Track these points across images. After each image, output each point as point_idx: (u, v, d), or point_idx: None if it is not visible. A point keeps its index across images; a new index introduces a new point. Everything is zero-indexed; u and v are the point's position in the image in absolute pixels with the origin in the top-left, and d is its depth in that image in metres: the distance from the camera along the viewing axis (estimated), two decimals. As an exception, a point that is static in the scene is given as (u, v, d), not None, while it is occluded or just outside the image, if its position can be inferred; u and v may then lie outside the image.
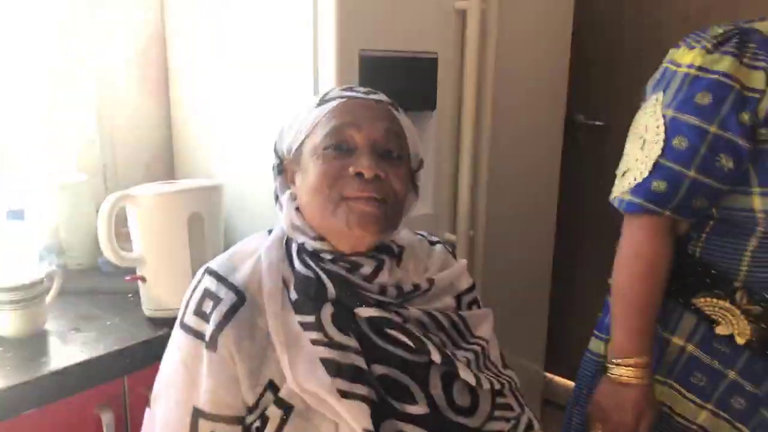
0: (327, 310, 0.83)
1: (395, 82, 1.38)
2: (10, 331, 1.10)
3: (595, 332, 1.16)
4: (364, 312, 0.84)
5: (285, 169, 0.92)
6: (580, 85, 2.02)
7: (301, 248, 0.87)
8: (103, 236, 1.12)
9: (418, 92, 1.45)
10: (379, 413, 0.80)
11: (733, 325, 0.98)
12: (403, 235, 0.97)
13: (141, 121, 1.70)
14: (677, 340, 1.04)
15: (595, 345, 1.16)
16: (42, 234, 1.40)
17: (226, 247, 1.27)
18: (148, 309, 1.21)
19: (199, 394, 0.82)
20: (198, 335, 0.83)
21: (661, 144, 0.96)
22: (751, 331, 0.97)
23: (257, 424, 0.83)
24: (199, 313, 0.84)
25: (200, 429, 0.82)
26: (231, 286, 0.84)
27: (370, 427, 0.79)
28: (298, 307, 0.84)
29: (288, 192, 0.91)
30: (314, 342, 0.82)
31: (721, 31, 0.95)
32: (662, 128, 0.96)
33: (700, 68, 0.94)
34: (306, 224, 0.87)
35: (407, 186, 0.89)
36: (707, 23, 1.01)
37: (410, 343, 0.84)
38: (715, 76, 0.92)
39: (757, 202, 0.94)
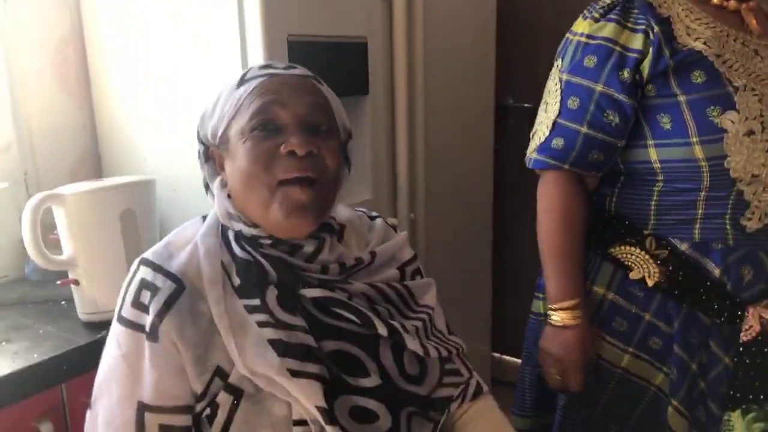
0: (272, 293, 0.82)
1: (325, 66, 1.36)
2: (-69, 347, 1.03)
3: (535, 294, 1.22)
4: (309, 293, 0.83)
5: (212, 155, 0.90)
6: (506, 69, 2.07)
7: (239, 234, 0.86)
8: (29, 239, 1.07)
9: (350, 77, 1.45)
10: (333, 390, 0.80)
11: (644, 269, 1.06)
12: (342, 212, 0.97)
13: (62, 124, 1.62)
14: (598, 289, 1.11)
15: (536, 305, 1.22)
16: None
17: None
18: (83, 313, 1.16)
19: (142, 387, 0.79)
20: (138, 327, 0.80)
21: (558, 105, 1.07)
22: (659, 273, 1.04)
23: (207, 412, 0.81)
24: (137, 305, 0.81)
25: (147, 423, 0.79)
26: (168, 275, 0.81)
27: (323, 404, 0.78)
28: (241, 292, 0.82)
29: (218, 179, 0.89)
30: (261, 324, 0.80)
31: (608, 1, 1.06)
32: (559, 91, 1.07)
33: (588, 36, 1.04)
34: (240, 212, 0.85)
35: (339, 160, 0.88)
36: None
37: (356, 319, 0.84)
38: (599, 41, 1.03)
39: (653, 154, 1.02)
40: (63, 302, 1.26)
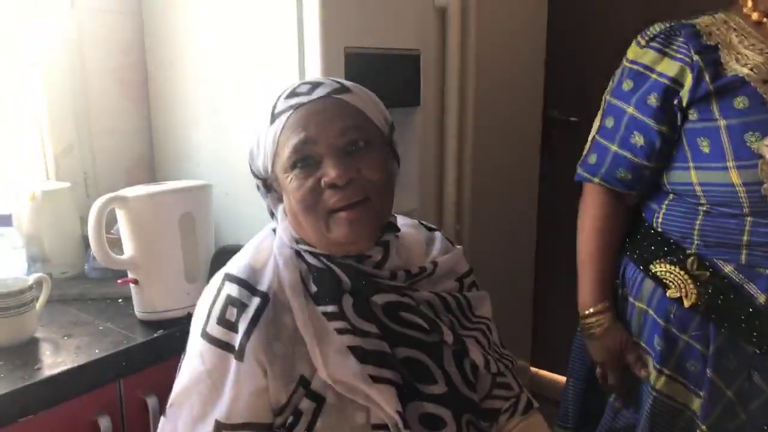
0: (347, 300, 0.84)
1: (380, 78, 1.39)
2: (1, 339, 1.07)
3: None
4: (381, 298, 0.85)
5: (270, 186, 0.91)
6: (554, 82, 2.06)
7: (308, 250, 0.87)
8: (94, 239, 1.10)
9: (403, 88, 1.47)
10: (405, 395, 0.82)
11: (681, 289, 1.05)
12: (399, 222, 0.97)
13: (121, 127, 1.68)
14: (640, 304, 1.12)
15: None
16: (25, 243, 1.37)
17: (218, 248, 1.28)
18: (140, 312, 1.20)
19: (222, 405, 0.81)
20: (224, 346, 0.81)
21: (598, 123, 1.15)
22: (697, 294, 1.03)
23: (290, 420, 0.82)
24: (223, 322, 0.82)
25: None
26: (254, 290, 0.83)
27: (400, 408, 0.80)
28: (319, 299, 0.84)
29: (281, 207, 0.90)
30: (339, 331, 0.82)
31: (658, 29, 1.09)
32: (601, 110, 1.15)
33: (631, 61, 1.10)
34: (303, 239, 0.87)
35: (387, 166, 0.87)
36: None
37: (425, 324, 0.86)
38: (638, 67, 1.08)
39: (694, 177, 1.03)
40: (120, 300, 1.30)
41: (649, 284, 1.09)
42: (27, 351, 1.08)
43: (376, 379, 0.80)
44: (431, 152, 1.60)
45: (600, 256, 1.14)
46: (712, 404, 1.02)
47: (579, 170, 1.16)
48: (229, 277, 0.85)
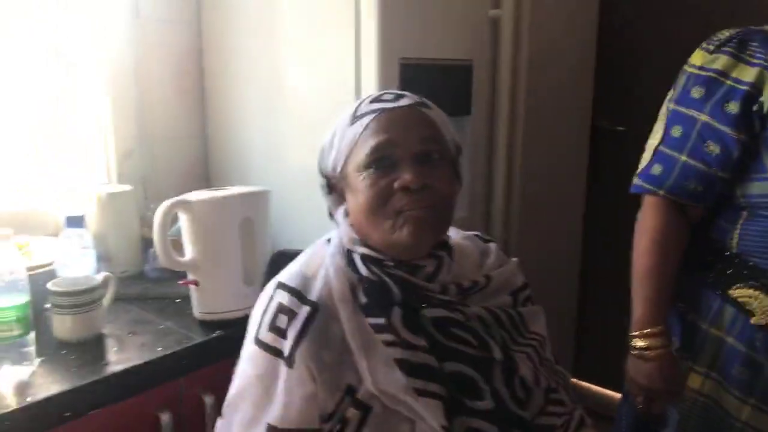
0: (396, 313, 0.84)
1: (432, 87, 1.39)
2: (72, 334, 1.12)
3: None
4: (430, 312, 0.86)
5: (334, 187, 0.93)
6: (603, 92, 2.05)
7: (364, 255, 0.89)
8: (158, 241, 1.15)
9: (455, 98, 1.49)
10: (451, 410, 0.82)
11: (767, 315, 1.00)
12: (453, 234, 0.99)
13: (178, 132, 1.74)
14: (716, 332, 1.06)
15: None
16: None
17: (274, 253, 1.31)
18: (200, 312, 1.24)
19: (273, 410, 0.83)
20: (274, 351, 0.84)
21: (661, 133, 1.09)
22: None
23: (337, 428, 0.83)
24: (275, 329, 0.85)
25: None
26: (304, 299, 0.85)
27: (445, 423, 0.80)
28: (368, 310, 0.85)
29: (342, 208, 0.92)
30: (387, 343, 0.83)
31: (727, 34, 1.05)
32: (665, 119, 1.09)
33: (700, 68, 1.05)
34: (363, 238, 0.88)
35: (452, 180, 0.90)
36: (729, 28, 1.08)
37: (473, 341, 0.86)
38: (710, 74, 1.03)
39: None
40: (178, 300, 1.34)
41: (729, 311, 1.05)
42: (95, 347, 1.13)
43: (421, 393, 0.81)
44: (481, 162, 1.62)
45: (659, 273, 1.08)
46: None
47: (638, 181, 1.11)
48: (281, 286, 0.88)
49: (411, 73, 1.36)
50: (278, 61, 1.50)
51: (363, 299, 0.86)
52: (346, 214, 0.91)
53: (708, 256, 1.09)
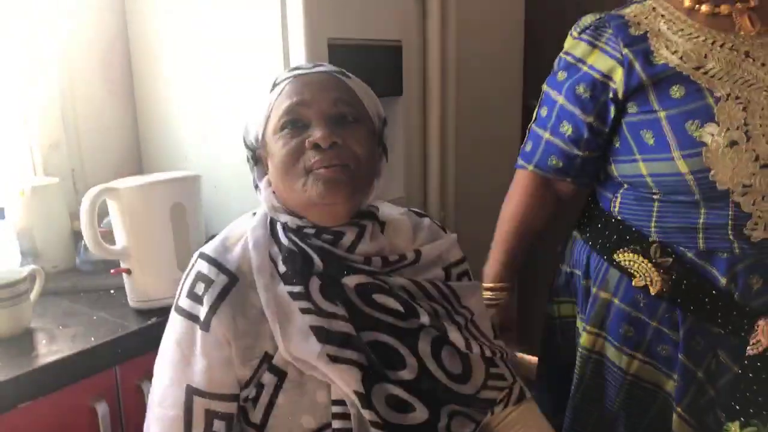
0: (315, 282, 0.86)
1: (363, 69, 1.41)
2: (-3, 330, 1.09)
3: (552, 298, 1.27)
4: (351, 280, 0.87)
5: (259, 158, 0.94)
6: (533, 72, 2.10)
7: (286, 226, 0.90)
8: (87, 230, 1.13)
9: (385, 78, 1.50)
10: (370, 377, 0.83)
11: (646, 277, 1.05)
12: (388, 209, 1.00)
13: (107, 123, 1.70)
14: (604, 294, 1.12)
15: (550, 309, 1.27)
16: (16, 238, 1.39)
17: (208, 238, 1.31)
18: (134, 300, 1.22)
19: (193, 373, 0.85)
20: (191, 317, 0.86)
21: (535, 113, 1.17)
22: (661, 282, 1.04)
23: (252, 394, 0.85)
24: (192, 296, 0.87)
25: (195, 406, 0.85)
26: (223, 268, 0.87)
27: (360, 389, 0.82)
28: (286, 279, 0.87)
29: (265, 178, 0.94)
30: (303, 311, 0.84)
31: (588, 21, 1.11)
32: (539, 100, 1.16)
33: (566, 52, 1.12)
34: (284, 204, 0.91)
35: (370, 147, 0.91)
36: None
37: (399, 307, 0.87)
38: (570, 59, 1.10)
39: (643, 168, 1.04)
40: (112, 291, 1.32)
41: (614, 274, 1.10)
42: (23, 341, 1.10)
43: (335, 359, 0.82)
44: (415, 141, 1.64)
45: (514, 239, 1.20)
46: (686, 386, 1.05)
47: (518, 159, 1.19)
48: (202, 255, 0.89)
49: (340, 54, 1.36)
50: (205, 46, 1.48)
51: (282, 268, 0.87)
52: (269, 183, 0.93)
53: (595, 223, 1.15)
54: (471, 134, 1.78)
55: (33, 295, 1.17)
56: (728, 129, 0.96)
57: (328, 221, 0.89)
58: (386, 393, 0.84)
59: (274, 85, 0.92)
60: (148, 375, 1.13)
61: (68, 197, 1.55)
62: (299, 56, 1.31)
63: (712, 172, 0.96)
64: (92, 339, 1.10)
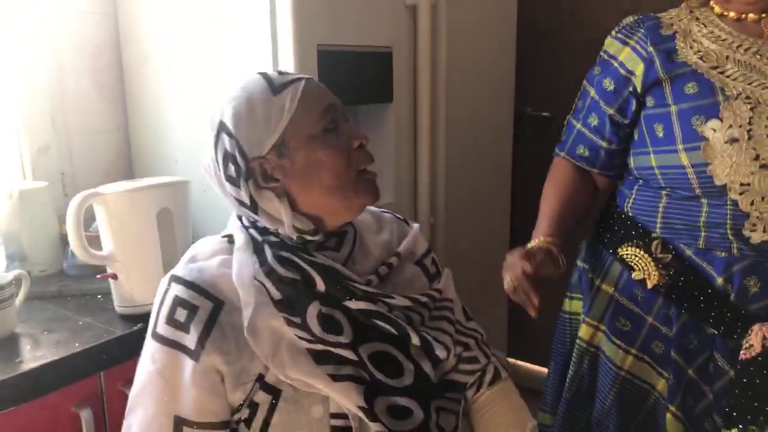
0: (313, 310, 0.83)
1: (353, 75, 1.42)
2: (-19, 334, 1.09)
3: (567, 293, 1.28)
4: (354, 305, 0.85)
5: (252, 171, 0.84)
6: (526, 79, 2.11)
7: (282, 245, 0.86)
8: (73, 235, 1.12)
9: (375, 85, 1.50)
10: (371, 390, 0.82)
11: (645, 271, 1.08)
12: None
13: (97, 126, 1.69)
14: (606, 288, 1.15)
15: (566, 304, 1.28)
16: (3, 241, 1.38)
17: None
18: (120, 306, 1.21)
19: (180, 402, 0.81)
20: (174, 345, 0.81)
21: (574, 105, 1.23)
22: (658, 276, 1.07)
23: (246, 415, 0.82)
24: (172, 322, 0.82)
25: None
26: (204, 292, 0.82)
27: (363, 404, 0.80)
28: (281, 306, 0.83)
29: (268, 193, 0.85)
30: (300, 338, 0.82)
31: (627, 21, 1.16)
32: (579, 94, 1.22)
33: (603, 51, 1.18)
34: (304, 216, 0.86)
35: None
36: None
37: (394, 331, 0.86)
38: (604, 55, 1.16)
39: (653, 161, 1.08)
40: (99, 296, 1.31)
41: (616, 267, 1.13)
42: (7, 346, 1.09)
43: (335, 378, 0.80)
44: (405, 148, 1.64)
45: (555, 207, 1.17)
46: (677, 384, 1.06)
47: (555, 148, 1.25)
48: (175, 278, 0.84)
49: (329, 60, 1.36)
50: (195, 51, 1.48)
51: (276, 294, 0.83)
52: (277, 196, 0.84)
53: (609, 220, 1.18)
54: (461, 141, 1.78)
55: (18, 300, 1.16)
56: (730, 126, 0.98)
57: (340, 225, 0.90)
58: (388, 403, 0.83)
59: (277, 88, 0.84)
60: (133, 381, 1.14)
61: (58, 201, 1.54)
62: (288, 62, 1.31)
63: (710, 167, 0.99)
64: (76, 345, 1.09)
